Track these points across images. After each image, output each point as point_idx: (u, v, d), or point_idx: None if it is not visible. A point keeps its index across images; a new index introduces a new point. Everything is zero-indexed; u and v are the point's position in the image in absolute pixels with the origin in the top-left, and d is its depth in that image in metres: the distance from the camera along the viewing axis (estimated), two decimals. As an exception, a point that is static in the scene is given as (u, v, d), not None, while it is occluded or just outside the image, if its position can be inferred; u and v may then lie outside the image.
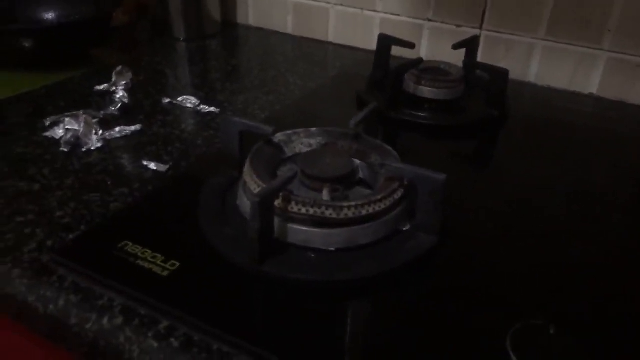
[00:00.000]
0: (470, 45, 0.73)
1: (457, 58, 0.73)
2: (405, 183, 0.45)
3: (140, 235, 0.43)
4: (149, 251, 0.41)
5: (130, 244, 0.42)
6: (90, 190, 0.50)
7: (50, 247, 0.43)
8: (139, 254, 0.41)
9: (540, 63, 0.79)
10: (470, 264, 0.44)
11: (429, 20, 0.84)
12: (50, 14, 0.87)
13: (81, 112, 0.60)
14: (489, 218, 0.50)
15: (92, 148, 0.57)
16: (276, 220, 0.42)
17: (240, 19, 1.02)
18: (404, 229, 0.45)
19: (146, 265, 0.40)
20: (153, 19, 1.01)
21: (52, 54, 0.78)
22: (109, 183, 0.52)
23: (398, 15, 0.86)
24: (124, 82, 0.66)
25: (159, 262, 0.40)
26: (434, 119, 0.65)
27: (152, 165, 0.54)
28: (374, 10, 0.88)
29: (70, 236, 0.45)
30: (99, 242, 0.43)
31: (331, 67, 0.85)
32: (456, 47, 0.72)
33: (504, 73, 0.65)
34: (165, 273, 0.40)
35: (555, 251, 0.46)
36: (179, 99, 0.69)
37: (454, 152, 0.63)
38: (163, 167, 0.54)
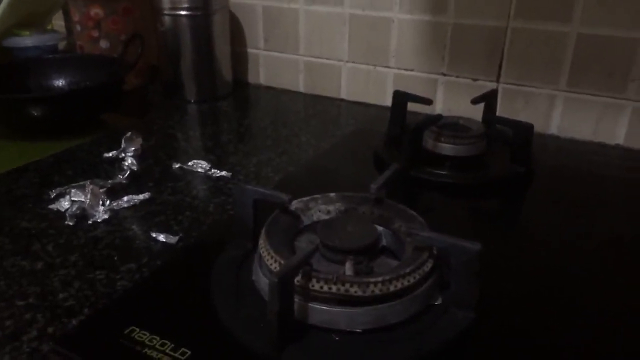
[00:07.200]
0: (488, 99, 0.71)
1: (473, 111, 0.71)
2: (435, 252, 0.41)
3: (148, 320, 0.39)
4: (157, 338, 0.38)
5: (137, 329, 0.38)
6: (96, 267, 0.47)
7: (52, 335, 0.40)
8: (147, 342, 0.37)
9: (562, 114, 0.76)
10: (511, 343, 0.39)
11: (444, 74, 0.82)
12: (61, 81, 0.87)
13: (88, 182, 0.57)
14: (526, 285, 0.46)
15: (99, 220, 0.54)
16: (296, 299, 0.38)
17: (252, 79, 1.01)
18: (436, 303, 0.41)
19: (154, 354, 0.36)
20: (164, 82, 1.01)
21: (63, 121, 0.77)
22: (115, 258, 0.48)
23: (412, 70, 0.85)
24: (133, 149, 0.64)
25: (167, 351, 0.37)
26: (456, 177, 0.62)
27: (162, 237, 0.51)
28: (387, 67, 0.86)
29: (73, 321, 0.41)
30: (103, 329, 0.39)
31: (344, 124, 0.83)
32: (475, 101, 0.69)
33: (528, 127, 0.62)
34: (175, 364, 0.36)
35: (598, 321, 0.41)
36: (190, 163, 0.67)
37: (479, 212, 0.59)
38: (173, 239, 0.51)
